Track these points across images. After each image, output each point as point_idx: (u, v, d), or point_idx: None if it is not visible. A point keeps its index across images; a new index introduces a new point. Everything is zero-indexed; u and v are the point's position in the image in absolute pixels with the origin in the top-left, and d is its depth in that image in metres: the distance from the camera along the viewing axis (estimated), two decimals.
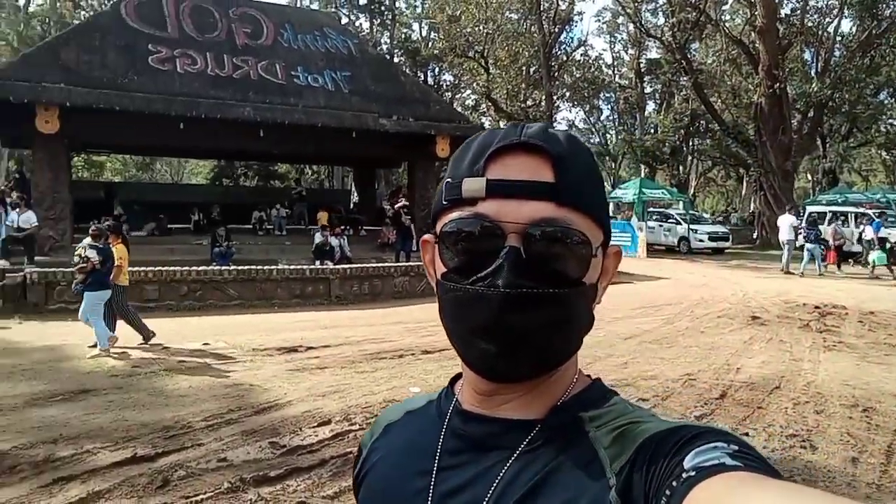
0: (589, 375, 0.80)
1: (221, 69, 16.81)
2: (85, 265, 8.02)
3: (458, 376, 0.84)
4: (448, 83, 33.99)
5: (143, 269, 11.51)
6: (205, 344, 8.70)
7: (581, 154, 0.73)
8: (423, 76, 31.67)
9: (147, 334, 8.69)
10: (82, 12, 31.02)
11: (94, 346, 8.10)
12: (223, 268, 12.81)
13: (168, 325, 9.63)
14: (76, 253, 8.39)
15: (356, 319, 11.04)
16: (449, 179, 0.73)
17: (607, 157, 41.26)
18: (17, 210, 13.32)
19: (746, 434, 5.41)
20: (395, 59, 30.08)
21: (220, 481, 4.38)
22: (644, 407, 0.76)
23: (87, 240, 8.30)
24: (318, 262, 14.79)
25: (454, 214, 0.72)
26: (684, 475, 0.58)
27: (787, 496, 0.52)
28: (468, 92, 34.86)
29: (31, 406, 6.11)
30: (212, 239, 15.57)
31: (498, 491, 0.69)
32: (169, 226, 18.85)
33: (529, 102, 30.13)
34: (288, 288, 12.55)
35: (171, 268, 11.94)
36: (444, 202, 0.73)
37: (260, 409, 6.05)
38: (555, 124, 33.08)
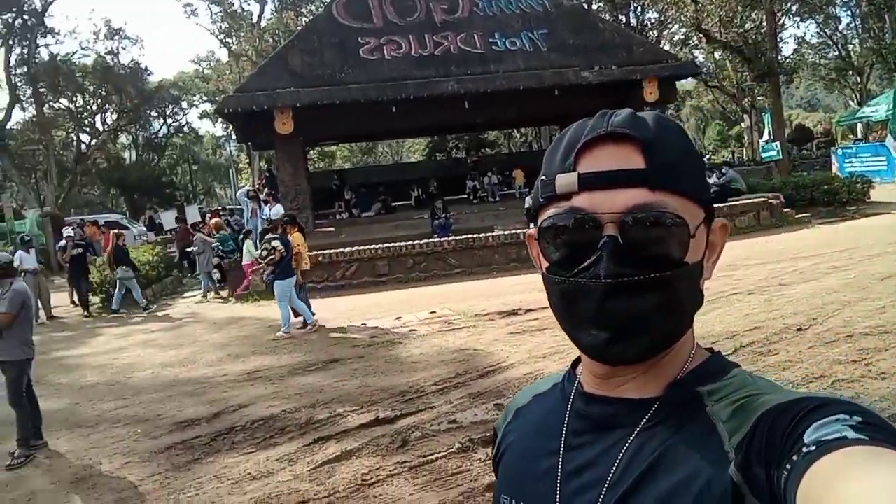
0: (710, 349, 0.79)
1: (424, 49, 17.52)
2: (274, 256, 8.92)
3: (579, 359, 0.85)
4: (652, 21, 31.94)
5: (373, 246, 12.58)
6: (431, 312, 9.31)
7: (671, 134, 0.73)
8: (624, 19, 30.07)
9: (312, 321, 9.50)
10: (303, 19, 34.14)
11: (304, 325, 9.21)
12: (443, 239, 13.51)
13: (399, 297, 10.45)
14: (264, 247, 9.33)
15: None
16: (543, 177, 0.76)
17: (850, 72, 35.86)
18: (268, 205, 15.21)
19: None
20: (593, 6, 28.87)
21: (451, 442, 4.71)
22: (768, 378, 0.75)
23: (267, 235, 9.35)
24: (531, 225, 14.94)
25: (551, 210, 0.74)
26: (804, 450, 0.57)
27: None
28: (676, 27, 32.45)
29: (294, 375, 7.05)
30: (431, 212, 16.45)
31: (620, 468, 0.71)
32: (393, 204, 20.27)
33: (748, 26, 27.19)
34: (504, 253, 12.89)
35: (398, 243, 12.89)
36: (541, 199, 0.76)
37: (485, 372, 6.36)
38: (780, 44, 29.53)
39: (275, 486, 4.40)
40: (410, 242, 12.99)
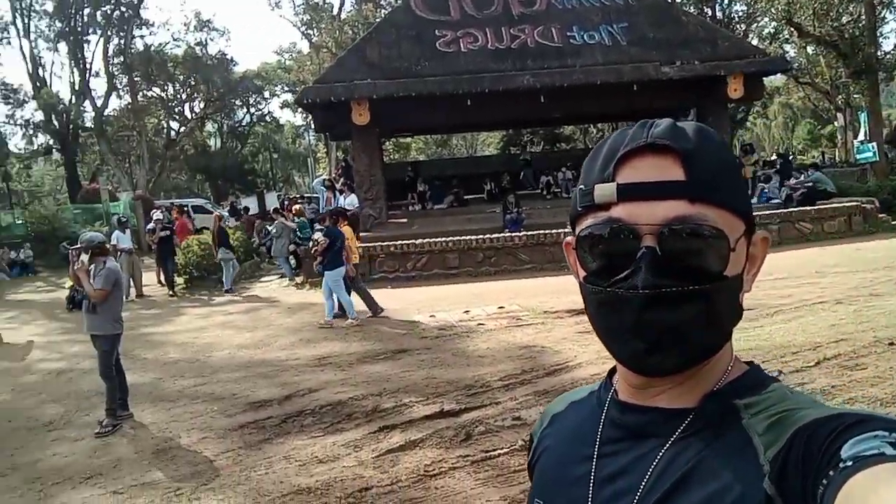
0: (749, 362, 0.79)
1: (500, 42, 17.42)
2: (316, 247, 9.13)
3: (616, 367, 0.86)
4: (740, 14, 30.62)
5: (444, 239, 12.66)
6: (500, 307, 9.30)
7: (712, 146, 0.73)
8: (709, 12, 28.97)
9: (376, 310, 9.52)
10: (382, 11, 34.55)
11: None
12: (514, 234, 13.45)
13: (468, 290, 10.49)
14: (312, 238, 9.59)
15: None
16: (581, 186, 0.76)
17: None
18: (344, 195, 15.53)
19: None
20: None
21: (514, 439, 4.71)
22: (806, 393, 0.75)
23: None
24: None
25: (589, 220, 0.74)
26: (841, 465, 0.57)
27: None
28: (765, 20, 31.03)
29: (362, 362, 7.21)
30: (503, 206, 16.39)
31: (653, 477, 0.71)
32: (465, 197, 20.31)
33: (845, 19, 25.72)
34: None
35: (468, 237, 12.92)
36: (579, 209, 0.76)
37: (551, 370, 6.31)
38: (881, 39, 27.79)
39: (340, 471, 4.52)
40: (481, 236, 12.99)
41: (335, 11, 37.45)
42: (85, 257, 5.71)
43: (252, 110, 42.40)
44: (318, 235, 9.36)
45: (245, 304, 11.93)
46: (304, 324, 9.57)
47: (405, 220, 17.94)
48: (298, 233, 14.65)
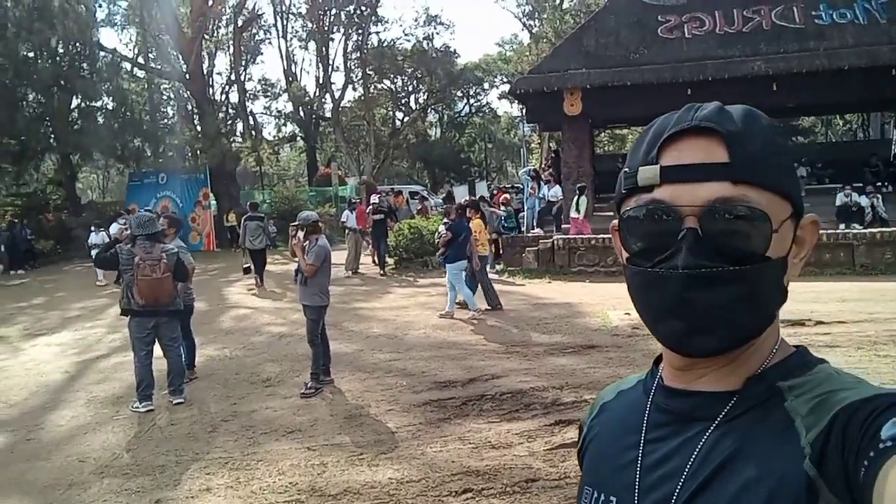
0: (798, 346, 0.78)
1: (730, 25, 16.13)
2: (441, 240, 9.22)
3: (661, 356, 0.86)
4: None
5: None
6: None
7: (758, 128, 0.73)
8: None
9: (495, 303, 9.54)
10: None
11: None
12: None
13: None
14: (437, 230, 9.58)
15: (885, 293, 9.35)
16: (626, 169, 0.77)
17: None
18: (548, 185, 15.48)
19: None
20: None
21: None
22: (854, 374, 0.72)
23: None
24: (841, 226, 13.01)
25: (632, 202, 0.76)
26: (881, 445, 0.58)
27: None
28: None
29: (549, 354, 7.17)
30: None
31: (697, 460, 0.72)
32: None
33: None
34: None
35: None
36: (623, 191, 0.78)
37: None
38: None
39: (510, 459, 4.55)
40: None
41: (557, 1, 37.30)
42: (301, 234, 6.34)
43: (471, 101, 43.86)
44: (441, 229, 9.55)
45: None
46: (501, 310, 9.72)
47: (612, 213, 17.42)
48: (504, 222, 14.91)
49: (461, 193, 23.64)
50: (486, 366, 6.87)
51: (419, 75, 37.25)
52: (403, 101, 39.30)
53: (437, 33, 43.05)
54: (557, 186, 15.68)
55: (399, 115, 39.21)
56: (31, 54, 23.23)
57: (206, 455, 4.96)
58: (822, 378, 0.72)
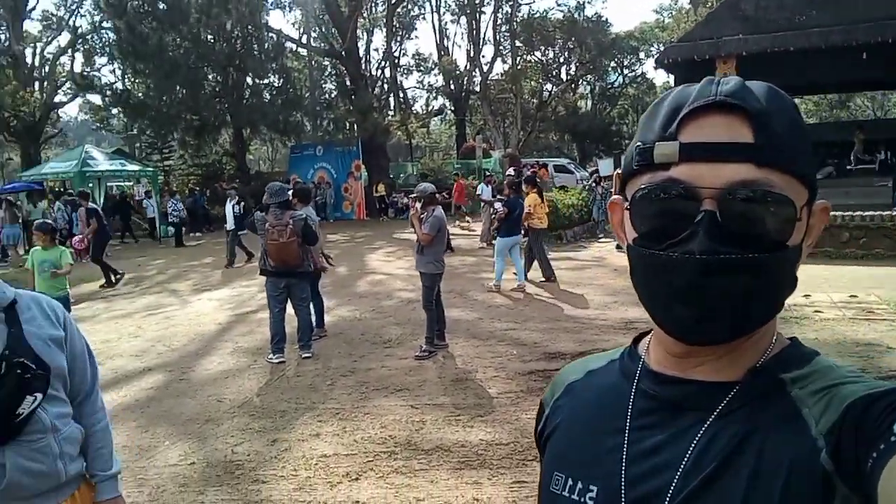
0: (792, 338, 0.76)
1: None
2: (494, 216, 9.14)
3: (640, 336, 0.84)
4: None
5: None
6: (852, 296, 7.97)
7: (782, 108, 0.69)
8: None
9: (549, 275, 10.01)
10: None
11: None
12: None
13: (817, 272, 9.16)
14: (493, 207, 9.63)
15: None
16: (639, 143, 0.71)
17: None
18: None
19: None
20: None
21: None
22: (850, 367, 0.71)
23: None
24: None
25: (645, 179, 0.70)
26: (893, 438, 0.57)
27: None
28: None
29: None
30: (894, 181, 13.67)
31: (695, 453, 0.69)
32: (852, 167, 17.37)
33: None
34: None
35: (834, 213, 11.17)
36: (634, 167, 0.71)
37: (889, 375, 5.28)
38: None
39: None
40: (850, 213, 11.12)
41: None
42: (418, 205, 6.63)
43: (626, 72, 42.25)
44: (498, 205, 9.75)
45: (575, 262, 12.33)
46: (624, 287, 9.53)
47: None
48: None
49: (606, 168, 23.08)
50: (599, 340, 6.83)
51: (571, 46, 36.46)
52: (553, 73, 38.71)
53: (589, 2, 41.77)
54: None
55: (548, 87, 38.69)
56: (210, 38, 25.58)
57: (321, 405, 5.43)
58: (823, 370, 0.70)
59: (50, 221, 8.06)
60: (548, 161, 28.30)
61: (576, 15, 34.93)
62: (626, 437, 0.74)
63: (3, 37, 32.72)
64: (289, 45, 29.58)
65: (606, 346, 6.50)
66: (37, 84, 33.94)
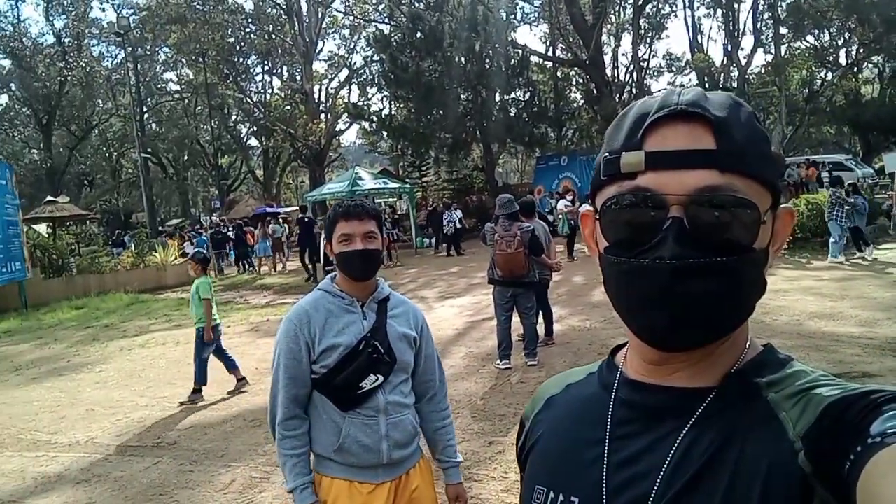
0: (766, 343, 0.77)
1: None
2: None
3: (618, 347, 0.85)
4: None
5: None
6: None
7: (742, 115, 0.71)
8: None
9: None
10: None
11: None
12: None
13: None
14: None
15: None
16: (606, 154, 0.73)
17: None
18: None
19: None
20: None
21: None
22: (823, 372, 0.72)
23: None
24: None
25: (613, 189, 0.72)
26: (869, 440, 0.57)
27: None
28: None
29: None
30: None
31: (674, 460, 0.69)
32: None
33: None
34: None
35: None
36: (602, 177, 0.74)
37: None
38: None
39: None
40: None
41: None
42: None
43: None
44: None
45: (843, 272, 10.84)
46: None
47: None
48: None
49: (892, 162, 19.86)
50: (859, 361, 5.97)
51: (851, 25, 32.04)
52: (829, 58, 34.35)
53: None
54: None
55: (821, 74, 34.42)
56: (461, 59, 27.29)
57: None
58: (798, 374, 0.70)
59: (203, 251, 8.10)
60: (821, 158, 25.19)
61: None
62: (607, 447, 0.75)
63: (298, 76, 38.46)
64: (534, 58, 30.33)
65: (867, 370, 5.71)
66: (322, 116, 39.17)
